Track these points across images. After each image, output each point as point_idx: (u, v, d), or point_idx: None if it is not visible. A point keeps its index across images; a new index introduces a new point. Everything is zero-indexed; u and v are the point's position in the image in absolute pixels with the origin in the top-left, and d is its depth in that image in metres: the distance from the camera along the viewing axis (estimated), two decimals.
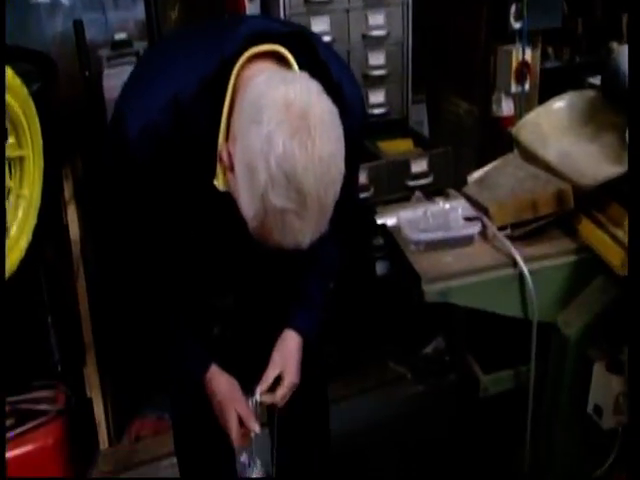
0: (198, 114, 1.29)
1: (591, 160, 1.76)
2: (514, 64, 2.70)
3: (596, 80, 2.78)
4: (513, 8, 2.66)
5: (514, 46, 2.71)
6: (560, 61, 3.29)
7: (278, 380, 1.61)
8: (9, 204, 1.47)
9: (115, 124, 1.37)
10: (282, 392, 1.60)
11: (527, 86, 2.75)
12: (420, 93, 3.07)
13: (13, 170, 1.50)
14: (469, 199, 1.76)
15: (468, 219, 1.67)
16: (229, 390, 1.61)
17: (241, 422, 1.57)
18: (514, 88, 2.72)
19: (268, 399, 1.60)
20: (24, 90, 1.49)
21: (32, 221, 1.56)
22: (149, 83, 1.36)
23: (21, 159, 1.51)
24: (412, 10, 2.63)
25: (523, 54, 2.70)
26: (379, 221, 1.76)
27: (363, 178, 2.42)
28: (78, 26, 2.34)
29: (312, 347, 1.70)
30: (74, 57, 2.38)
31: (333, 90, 1.24)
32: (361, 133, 1.56)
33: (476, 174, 1.88)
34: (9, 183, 1.45)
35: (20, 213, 1.51)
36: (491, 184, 1.79)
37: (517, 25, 2.68)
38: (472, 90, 2.91)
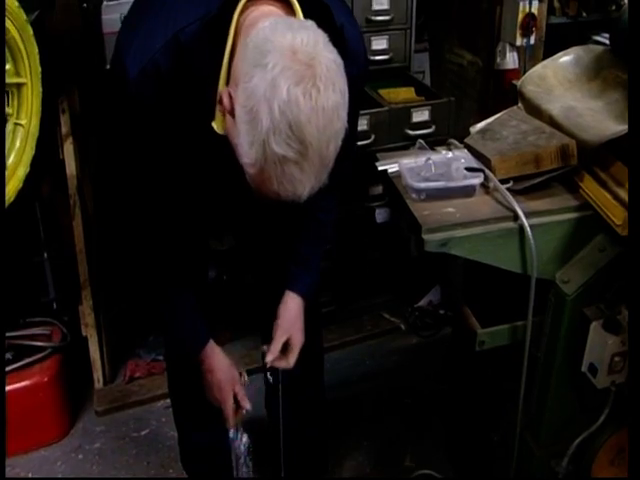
0: (199, 54, 1.27)
1: (596, 117, 1.74)
2: (520, 16, 2.66)
3: (602, 38, 2.76)
4: None
5: None
6: (566, 17, 3.25)
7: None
8: (7, 132, 1.43)
9: (115, 63, 1.36)
10: (293, 355, 1.68)
11: (532, 39, 2.71)
12: (423, 42, 3.03)
13: (11, 98, 1.47)
14: (471, 150, 1.74)
15: (470, 170, 1.65)
16: (228, 370, 1.68)
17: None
18: (519, 41, 2.69)
19: (282, 364, 1.69)
20: (22, 15, 1.44)
21: (30, 151, 1.53)
22: (149, 21, 1.34)
23: (19, 87, 1.47)
24: None
25: (530, 6, 2.65)
26: (380, 167, 1.73)
27: (364, 125, 2.40)
28: None
29: (310, 303, 1.76)
30: None
31: (335, 34, 1.21)
32: (362, 81, 1.55)
33: (479, 125, 1.86)
34: (7, 110, 1.41)
35: (18, 142, 1.48)
36: (494, 136, 1.76)
37: None
38: (476, 41, 2.87)
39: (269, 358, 1.66)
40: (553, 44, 2.87)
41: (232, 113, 1.16)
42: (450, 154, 1.70)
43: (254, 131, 1.08)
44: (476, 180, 1.62)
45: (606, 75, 1.86)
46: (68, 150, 2.26)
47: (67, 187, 2.31)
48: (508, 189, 1.63)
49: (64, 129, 2.23)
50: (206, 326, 1.67)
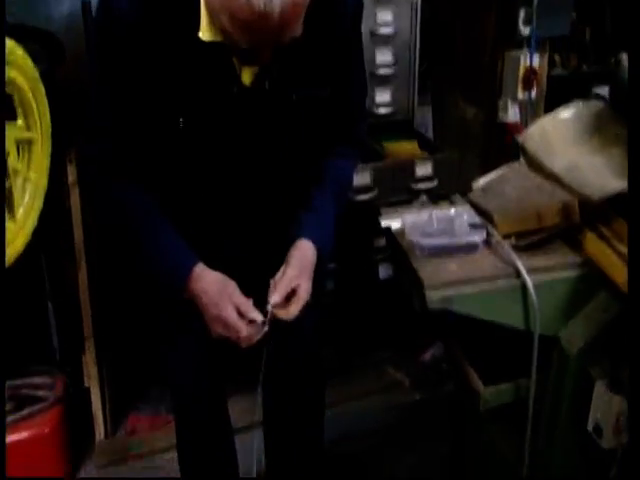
0: None
1: (598, 173, 1.76)
2: (521, 70, 2.70)
3: (602, 90, 2.79)
4: (522, 13, 2.66)
5: (522, 52, 2.71)
6: (567, 69, 3.30)
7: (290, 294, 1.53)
8: (16, 187, 1.45)
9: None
10: (297, 306, 1.52)
11: (534, 93, 2.75)
12: (426, 95, 3.07)
13: (21, 153, 1.49)
14: (474, 206, 1.75)
15: (473, 226, 1.66)
16: (221, 282, 1.50)
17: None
18: (521, 95, 2.73)
19: (281, 313, 1.51)
20: (34, 71, 1.48)
21: (39, 205, 1.55)
22: None
23: (29, 142, 1.50)
24: (421, 9, 2.64)
25: (531, 61, 2.70)
26: (383, 223, 1.75)
27: (367, 178, 2.42)
28: (86, 7, 2.32)
29: (322, 268, 1.64)
30: (81, 38, 2.35)
31: None
32: (356, 22, 1.58)
33: (481, 181, 1.87)
34: (17, 165, 1.43)
35: (27, 196, 1.50)
36: (496, 192, 1.78)
37: (526, 31, 2.68)
38: (478, 94, 2.91)
39: (275, 299, 1.49)
40: (554, 96, 2.92)
41: None
42: (453, 210, 1.72)
43: None
44: (478, 237, 1.63)
45: (607, 131, 1.88)
46: (75, 200, 2.28)
47: (73, 236, 2.32)
48: (511, 245, 1.64)
49: (70, 178, 2.25)
50: (193, 250, 1.53)
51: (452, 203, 1.81)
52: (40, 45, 2.05)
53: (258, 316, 1.45)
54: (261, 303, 1.49)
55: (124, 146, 1.47)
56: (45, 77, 1.63)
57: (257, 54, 1.30)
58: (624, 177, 1.66)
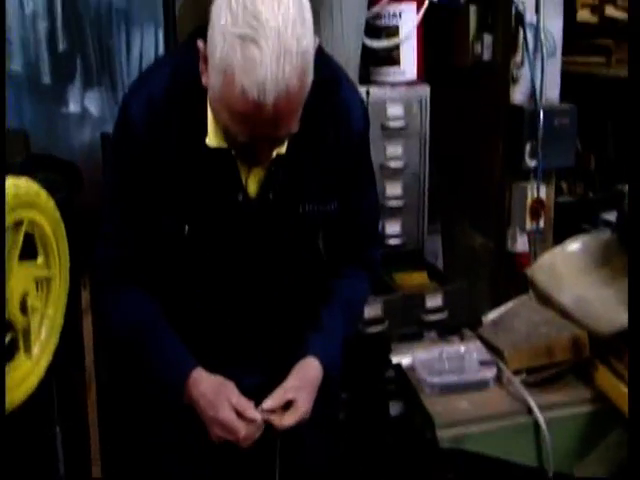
0: (192, 78, 1.34)
1: (607, 306, 1.78)
2: (529, 201, 2.74)
3: (610, 216, 2.85)
4: (528, 147, 2.74)
5: (529, 183, 2.77)
6: (574, 197, 3.37)
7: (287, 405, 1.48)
8: (34, 324, 1.47)
9: (119, 114, 1.47)
10: (292, 418, 1.47)
11: (542, 223, 2.79)
12: (435, 224, 3.12)
13: (40, 290, 1.51)
14: (484, 341, 1.77)
15: (483, 363, 1.67)
16: (218, 384, 1.48)
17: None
18: (529, 225, 2.76)
19: (275, 419, 1.45)
20: (56, 213, 1.52)
21: (54, 341, 1.55)
22: (148, 74, 1.52)
23: (48, 279, 1.53)
24: (429, 142, 2.72)
25: (538, 192, 2.75)
26: (394, 360, 1.76)
27: (378, 310, 2.43)
28: (105, 139, 2.42)
29: (332, 389, 1.60)
30: (99, 167, 2.44)
31: (327, 84, 1.40)
32: (363, 138, 1.60)
33: (491, 315, 1.90)
34: (35, 303, 1.46)
35: (43, 333, 1.50)
36: (506, 327, 1.80)
37: (532, 163, 2.75)
38: (487, 224, 2.95)
39: (267, 404, 1.45)
40: (563, 224, 2.96)
41: (205, 59, 1.26)
42: (463, 347, 1.74)
43: (216, 28, 1.19)
44: (489, 374, 1.65)
45: (615, 262, 1.91)
46: (87, 325, 2.30)
47: (84, 361, 2.33)
48: (522, 381, 1.65)
49: (84, 304, 2.27)
50: (191, 354, 1.52)
51: (462, 338, 1.83)
52: (60, 174, 2.14)
53: (257, 415, 1.43)
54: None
55: (132, 253, 1.52)
56: (63, 205, 1.69)
57: (257, 152, 1.32)
58: None
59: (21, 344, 1.43)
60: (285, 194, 1.47)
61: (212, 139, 1.39)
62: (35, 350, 1.49)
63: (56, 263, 1.56)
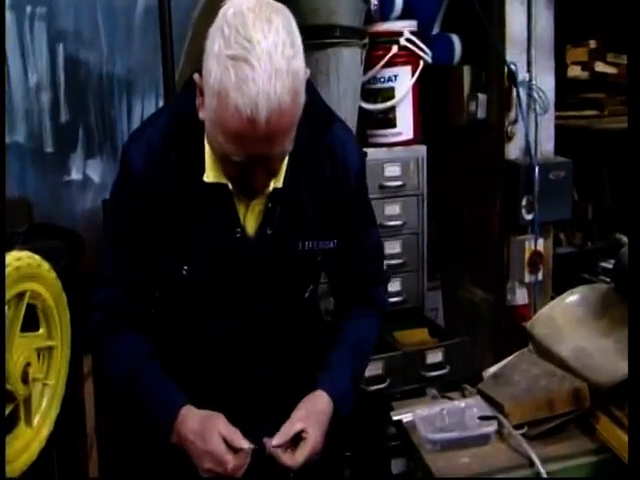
0: (189, 120, 1.39)
1: (606, 356, 1.78)
2: (527, 254, 2.77)
3: (609, 264, 2.86)
4: (525, 201, 2.78)
5: (526, 237, 2.80)
6: (573, 246, 3.39)
7: (297, 441, 1.44)
8: (35, 394, 1.49)
9: (120, 161, 1.51)
10: (302, 455, 1.43)
11: (540, 275, 2.81)
12: (435, 280, 3.15)
13: (41, 359, 1.54)
14: (485, 396, 1.77)
15: (484, 418, 1.68)
16: (207, 416, 1.46)
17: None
18: (528, 278, 2.78)
19: (285, 459, 1.42)
20: (58, 284, 1.56)
21: (55, 410, 1.57)
22: (147, 121, 1.58)
23: (49, 349, 1.56)
24: (427, 200, 2.77)
25: (535, 245, 2.78)
26: (395, 418, 1.77)
27: (379, 369, 2.44)
28: (106, 204, 2.47)
29: (342, 428, 1.57)
30: (101, 233, 2.48)
31: (321, 120, 1.46)
32: (360, 177, 1.60)
33: (491, 370, 1.90)
34: (37, 374, 1.48)
35: (44, 403, 1.53)
36: (506, 381, 1.81)
37: (529, 217, 2.79)
38: (487, 278, 2.98)
39: (274, 442, 1.41)
40: (562, 274, 2.98)
41: (201, 91, 1.31)
42: (463, 403, 1.74)
43: (210, 55, 1.24)
44: (490, 428, 1.65)
45: (613, 313, 1.92)
46: (88, 390, 2.30)
47: (85, 427, 2.32)
48: (523, 435, 1.65)
49: (85, 368, 2.28)
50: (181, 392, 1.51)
51: (463, 394, 1.83)
52: (62, 241, 2.18)
53: (245, 443, 1.41)
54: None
55: (130, 295, 1.53)
56: (65, 272, 1.72)
57: (253, 177, 1.33)
58: None
59: (22, 414, 1.45)
60: (283, 230, 1.48)
61: (210, 175, 1.42)
62: (36, 419, 1.51)
63: (58, 333, 1.59)
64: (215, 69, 1.22)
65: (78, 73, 2.65)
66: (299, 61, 1.26)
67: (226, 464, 1.40)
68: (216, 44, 1.23)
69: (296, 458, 1.43)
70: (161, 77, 2.44)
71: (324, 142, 1.50)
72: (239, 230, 1.46)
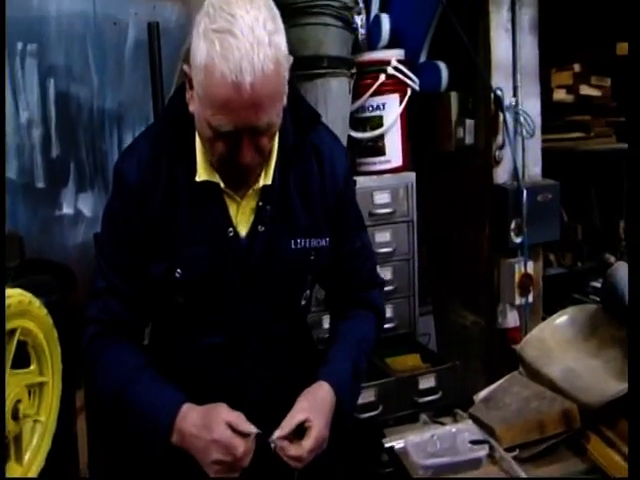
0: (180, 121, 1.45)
1: (596, 376, 1.79)
2: (517, 277, 2.79)
3: (599, 284, 2.88)
4: (513, 224, 2.80)
5: (516, 259, 2.82)
6: (563, 267, 3.42)
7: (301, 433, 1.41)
8: (25, 431, 1.49)
9: (112, 181, 1.54)
10: (309, 444, 1.40)
11: (531, 297, 2.83)
12: (427, 305, 3.16)
13: (32, 396, 1.53)
14: (476, 420, 1.78)
15: (475, 442, 1.68)
16: (208, 408, 1.44)
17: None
18: (518, 300, 2.80)
19: (292, 451, 1.39)
20: (49, 320, 1.56)
21: (46, 446, 1.55)
22: (139, 135, 1.61)
23: (41, 385, 1.56)
24: (417, 226, 2.80)
25: (525, 267, 2.80)
26: (387, 445, 1.77)
27: (371, 396, 2.45)
28: (97, 237, 2.48)
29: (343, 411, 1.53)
30: (92, 266, 2.49)
31: (308, 120, 1.51)
32: (347, 180, 1.63)
33: (482, 393, 1.91)
34: (28, 410, 1.48)
35: (35, 440, 1.51)
36: (497, 404, 1.82)
37: (518, 240, 2.81)
38: (477, 302, 3.00)
39: (277, 434, 1.39)
40: (553, 295, 3.01)
41: (190, 82, 1.36)
42: (454, 428, 1.75)
43: (196, 36, 1.30)
44: (481, 453, 1.65)
45: (602, 333, 1.93)
46: (81, 425, 2.28)
47: (78, 461, 2.30)
48: (514, 458, 1.65)
49: (78, 403, 2.26)
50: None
51: (455, 418, 1.84)
52: (54, 276, 2.19)
53: (251, 428, 1.39)
54: None
55: (123, 304, 1.54)
56: (56, 307, 1.72)
57: (241, 151, 1.34)
58: (623, 379, 1.69)
59: (12, 452, 1.45)
60: (275, 228, 1.50)
61: (202, 174, 1.45)
62: (27, 456, 1.50)
63: (49, 369, 1.58)
64: (202, 45, 1.28)
65: (69, 108, 2.66)
66: (281, 37, 1.32)
67: (235, 449, 1.38)
68: (202, 24, 1.30)
69: (303, 447, 1.40)
70: (151, 111, 2.47)
71: (311, 141, 1.54)
72: (231, 230, 1.48)
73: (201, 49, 1.28)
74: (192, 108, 1.38)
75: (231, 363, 1.56)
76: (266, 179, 1.46)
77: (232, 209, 1.49)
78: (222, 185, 1.45)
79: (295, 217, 1.52)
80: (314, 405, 1.46)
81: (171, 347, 1.62)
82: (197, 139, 1.45)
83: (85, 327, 1.58)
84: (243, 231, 1.50)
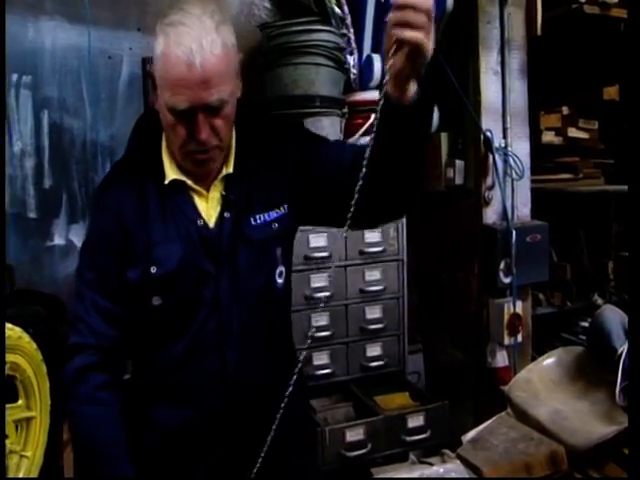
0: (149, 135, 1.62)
1: (582, 419, 1.79)
2: (506, 317, 2.80)
3: (587, 323, 2.89)
4: (502, 264, 2.82)
5: (505, 300, 2.83)
6: (552, 306, 3.43)
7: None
8: (11, 466, 1.48)
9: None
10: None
11: (520, 337, 2.83)
12: (416, 343, 3.16)
13: (19, 430, 1.53)
14: (463, 461, 1.77)
15: None
16: None
17: None
18: (507, 340, 2.81)
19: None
20: (38, 355, 1.57)
21: None
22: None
23: (28, 420, 1.55)
24: (407, 265, 2.81)
25: (514, 307, 2.81)
26: None
27: (360, 434, 2.44)
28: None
29: None
30: None
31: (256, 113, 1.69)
32: (307, 133, 1.75)
33: (470, 434, 1.90)
34: (13, 446, 1.47)
35: (21, 475, 1.51)
36: (485, 445, 1.81)
37: (507, 280, 2.82)
38: (467, 341, 3.00)
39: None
40: (543, 334, 3.02)
41: (154, 83, 1.50)
42: (442, 468, 1.74)
43: (156, 37, 1.46)
44: None
45: (588, 375, 1.93)
46: (68, 457, 2.26)
47: None
48: None
49: (65, 436, 2.24)
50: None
51: (443, 458, 1.83)
52: (43, 307, 2.19)
53: None
54: None
55: (105, 320, 1.56)
56: (45, 337, 1.72)
57: (198, 128, 1.47)
58: (609, 421, 1.70)
59: None
60: (239, 212, 1.60)
61: (169, 174, 1.58)
62: None
63: (37, 403, 1.58)
64: (159, 39, 1.45)
65: (62, 140, 2.68)
66: (228, 28, 1.48)
67: None
68: (158, 25, 1.47)
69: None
70: None
71: (264, 129, 1.68)
72: (201, 221, 1.58)
73: (158, 42, 1.45)
74: (157, 105, 1.51)
75: (214, 362, 1.58)
76: (227, 169, 1.60)
77: (200, 203, 1.60)
78: (189, 182, 1.57)
79: (255, 196, 1.62)
80: None
81: (150, 360, 1.62)
82: (163, 147, 1.59)
83: (70, 355, 1.55)
84: (212, 221, 1.59)
